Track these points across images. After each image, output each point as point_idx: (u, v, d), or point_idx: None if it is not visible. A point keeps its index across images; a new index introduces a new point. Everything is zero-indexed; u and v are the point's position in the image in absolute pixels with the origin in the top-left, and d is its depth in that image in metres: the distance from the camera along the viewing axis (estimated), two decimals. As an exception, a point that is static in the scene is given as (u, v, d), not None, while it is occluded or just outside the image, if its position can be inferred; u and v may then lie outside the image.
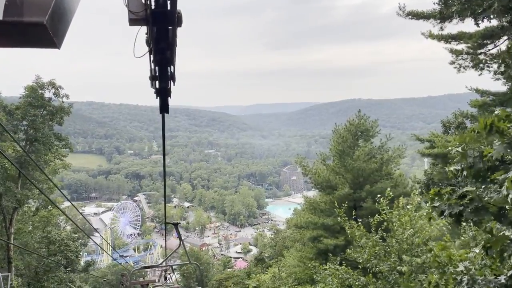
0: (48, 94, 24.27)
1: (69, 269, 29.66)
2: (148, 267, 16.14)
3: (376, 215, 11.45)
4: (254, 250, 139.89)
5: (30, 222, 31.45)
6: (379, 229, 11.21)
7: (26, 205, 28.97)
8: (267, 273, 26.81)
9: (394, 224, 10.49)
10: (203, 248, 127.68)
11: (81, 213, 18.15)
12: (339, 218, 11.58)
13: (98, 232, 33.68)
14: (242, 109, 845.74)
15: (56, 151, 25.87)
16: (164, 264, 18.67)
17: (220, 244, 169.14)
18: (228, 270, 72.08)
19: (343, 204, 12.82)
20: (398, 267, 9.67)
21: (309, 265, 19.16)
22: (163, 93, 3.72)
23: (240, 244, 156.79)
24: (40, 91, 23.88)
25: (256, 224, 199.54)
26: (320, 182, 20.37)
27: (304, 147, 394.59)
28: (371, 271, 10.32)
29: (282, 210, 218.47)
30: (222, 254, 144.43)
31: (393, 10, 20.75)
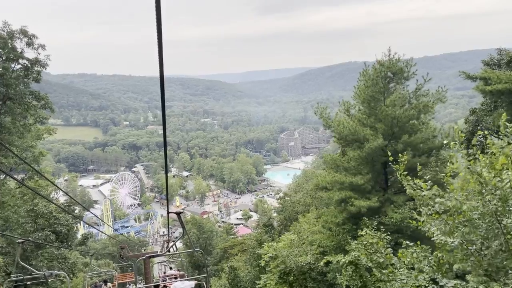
0: (20, 44, 20.71)
1: (64, 244, 27.01)
2: (153, 256, 14.01)
3: (448, 164, 8.28)
4: (255, 216, 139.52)
5: (18, 195, 28.50)
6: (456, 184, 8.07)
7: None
8: (279, 241, 24.20)
9: (484, 174, 7.34)
10: (204, 216, 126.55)
11: (57, 186, 15.61)
12: (398, 174, 8.44)
13: (85, 207, 30.12)
14: (236, 77, 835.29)
15: (35, 113, 22.48)
16: (168, 252, 17.02)
17: (220, 211, 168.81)
18: (231, 237, 70.44)
19: (402, 156, 9.63)
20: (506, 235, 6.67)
21: (340, 230, 16.41)
22: None
23: (241, 210, 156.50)
24: (9, 42, 20.29)
25: (255, 191, 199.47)
26: (345, 135, 17.28)
27: (300, 113, 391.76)
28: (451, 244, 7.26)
29: (281, 176, 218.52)
30: (223, 221, 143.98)
31: None
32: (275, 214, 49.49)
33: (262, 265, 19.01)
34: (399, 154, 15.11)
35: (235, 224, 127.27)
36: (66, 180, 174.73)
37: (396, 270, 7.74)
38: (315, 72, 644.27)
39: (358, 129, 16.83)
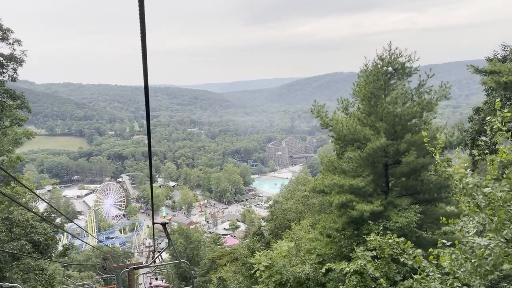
0: (-7, 39, 19.30)
1: (43, 255, 25.27)
2: (139, 267, 13.10)
3: (499, 153, 7.09)
4: (242, 226, 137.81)
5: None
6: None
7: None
8: (271, 250, 22.99)
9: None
10: (191, 226, 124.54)
11: (33, 192, 14.31)
12: (436, 159, 7.35)
13: (65, 215, 28.07)
14: (224, 86, 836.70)
15: (11, 114, 20.97)
16: (153, 263, 16.26)
17: (207, 221, 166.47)
18: (219, 247, 68.80)
19: (439, 139, 8.50)
20: None
21: (340, 236, 15.27)
22: None
23: (228, 220, 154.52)
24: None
25: (243, 201, 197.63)
26: (344, 134, 16.24)
27: (287, 123, 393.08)
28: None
29: (268, 186, 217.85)
30: (210, 232, 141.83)
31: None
32: (264, 223, 48.16)
33: (257, 275, 17.71)
34: (403, 155, 14.03)
35: (223, 235, 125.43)
36: (49, 190, 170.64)
37: (429, 277, 6.57)
38: (301, 82, 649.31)
39: (358, 129, 15.82)
